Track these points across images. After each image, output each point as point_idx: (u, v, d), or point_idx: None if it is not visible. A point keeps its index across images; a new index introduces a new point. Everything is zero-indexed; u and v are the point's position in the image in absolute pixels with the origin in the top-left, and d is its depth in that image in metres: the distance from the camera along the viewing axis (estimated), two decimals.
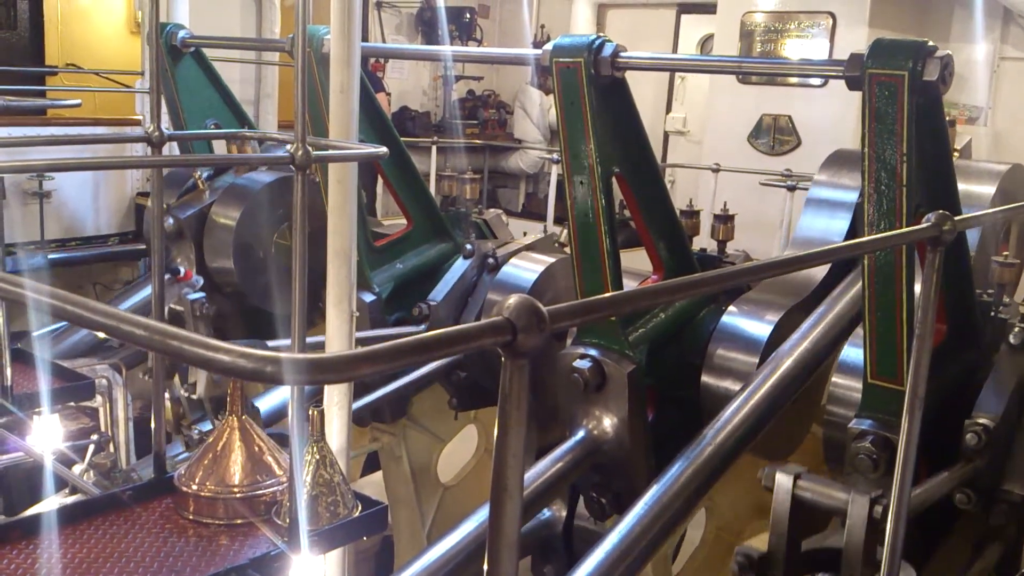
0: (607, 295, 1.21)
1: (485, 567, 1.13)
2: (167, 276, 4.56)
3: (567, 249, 5.00)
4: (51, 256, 6.60)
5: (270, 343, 4.09)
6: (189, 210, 5.64)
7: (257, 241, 5.55)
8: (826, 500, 2.83)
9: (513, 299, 1.03)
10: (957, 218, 1.99)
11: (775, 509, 2.85)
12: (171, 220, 5.54)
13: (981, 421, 3.27)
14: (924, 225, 1.92)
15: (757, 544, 2.95)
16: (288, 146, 2.37)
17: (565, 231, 5.42)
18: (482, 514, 3.46)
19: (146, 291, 5.46)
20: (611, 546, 3.13)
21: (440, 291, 5.02)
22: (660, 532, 3.25)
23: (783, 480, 2.83)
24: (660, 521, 3.24)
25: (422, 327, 4.90)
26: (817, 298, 4.14)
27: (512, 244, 5.25)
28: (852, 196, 4.27)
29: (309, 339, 2.54)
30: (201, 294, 4.23)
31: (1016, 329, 3.52)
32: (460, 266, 5.11)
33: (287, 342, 2.88)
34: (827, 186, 4.45)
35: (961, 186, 3.40)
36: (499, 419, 1.05)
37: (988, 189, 3.93)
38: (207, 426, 3.91)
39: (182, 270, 4.74)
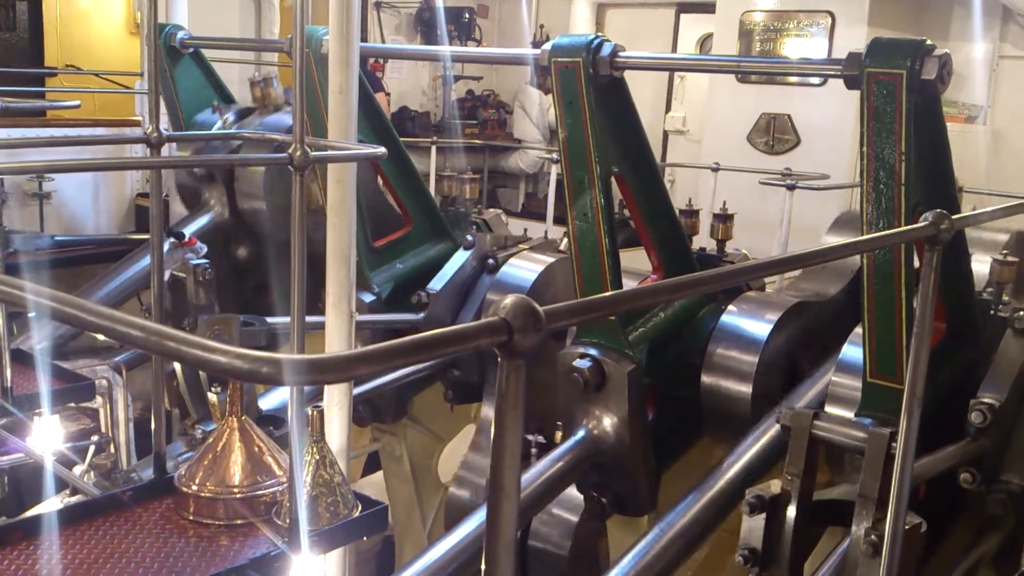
0: (604, 295, 1.20)
1: (483, 567, 1.13)
2: (171, 240, 4.52)
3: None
4: (57, 239, 6.59)
5: (270, 319, 4.04)
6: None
7: (286, 180, 5.55)
8: (843, 438, 2.79)
9: (509, 299, 1.03)
10: (955, 217, 1.99)
11: (791, 449, 2.80)
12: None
13: (986, 400, 3.27)
14: (922, 224, 1.92)
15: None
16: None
17: (566, 240, 5.46)
18: (482, 514, 3.46)
19: (143, 262, 5.41)
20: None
21: (439, 281, 5.02)
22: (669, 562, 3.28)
23: (801, 419, 2.78)
24: (669, 552, 3.27)
25: (420, 315, 4.90)
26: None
27: (512, 249, 5.25)
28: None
29: (310, 319, 2.53)
30: (204, 260, 4.19)
31: (1020, 314, 3.52)
32: (460, 257, 5.11)
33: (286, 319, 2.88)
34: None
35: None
36: (495, 419, 1.05)
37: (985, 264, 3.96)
38: (211, 426, 3.91)
39: (186, 235, 4.70)
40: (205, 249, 4.56)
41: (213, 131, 5.70)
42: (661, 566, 3.25)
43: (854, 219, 4.50)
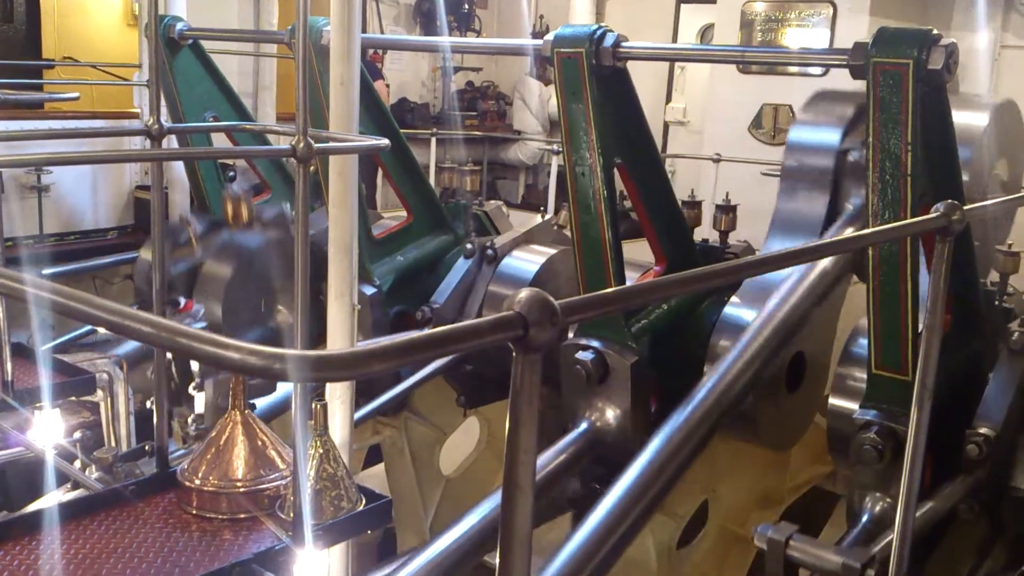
0: (619, 288, 1.18)
1: (497, 562, 1.12)
2: (168, 308, 4.45)
3: (567, 231, 4.95)
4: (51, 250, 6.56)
5: None
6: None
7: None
8: (818, 562, 2.84)
9: (524, 293, 1.01)
10: (965, 207, 1.97)
11: (768, 569, 2.86)
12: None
13: (982, 431, 3.28)
14: (933, 215, 1.90)
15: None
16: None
17: (564, 212, 5.41)
18: (485, 507, 3.45)
19: None
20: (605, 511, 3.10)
21: (443, 293, 4.99)
22: (658, 492, 3.23)
23: (775, 540, 2.85)
24: (658, 481, 3.22)
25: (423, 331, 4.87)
26: None
27: (509, 234, 5.19)
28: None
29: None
30: (203, 323, 4.17)
31: (1015, 335, 3.51)
32: (462, 266, 5.07)
33: None
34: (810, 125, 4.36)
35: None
36: (510, 415, 1.03)
37: (981, 119, 3.92)
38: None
39: (182, 301, 4.65)
40: (203, 311, 4.49)
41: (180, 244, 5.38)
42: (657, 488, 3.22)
43: (832, 96, 4.31)
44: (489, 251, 5.05)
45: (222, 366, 0.86)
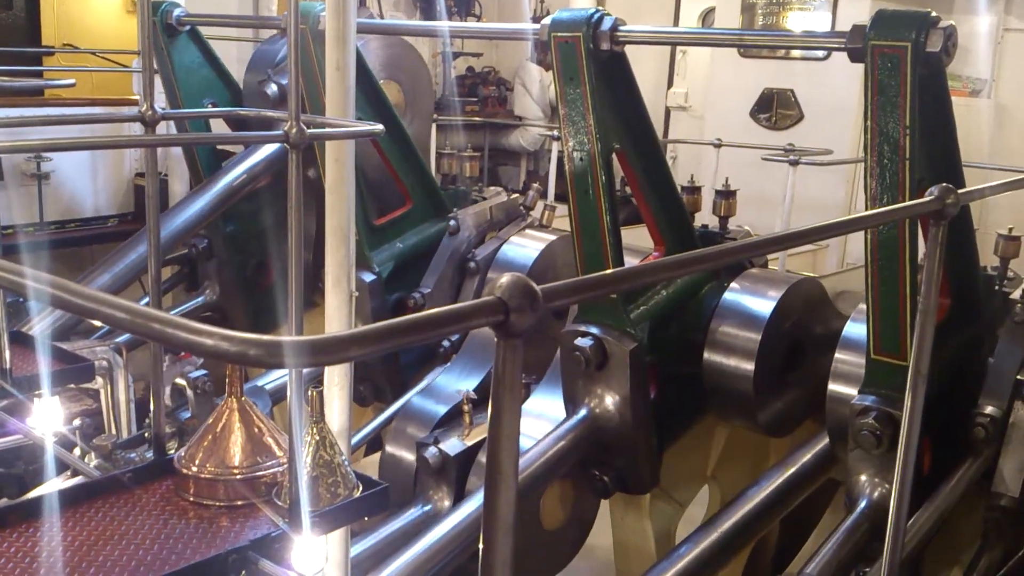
0: (604, 272, 1.17)
1: (480, 548, 1.11)
2: (168, 355, 4.52)
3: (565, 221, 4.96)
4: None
5: None
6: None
7: None
8: None
9: (505, 278, 1.01)
10: (960, 191, 1.96)
11: None
12: (275, 87, 5.58)
13: (988, 412, 3.27)
14: (927, 199, 1.89)
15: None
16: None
17: (544, 208, 5.42)
18: (482, 495, 3.46)
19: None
20: None
21: (430, 277, 5.00)
22: None
23: None
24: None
25: None
26: None
27: (490, 242, 5.19)
28: None
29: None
30: (203, 371, 4.19)
31: (1018, 307, 3.50)
32: (447, 246, 5.08)
33: None
34: None
35: None
36: (492, 400, 1.03)
37: None
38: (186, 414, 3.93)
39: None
40: (201, 360, 4.53)
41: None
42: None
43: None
44: (471, 264, 5.06)
45: (195, 352, 0.86)
